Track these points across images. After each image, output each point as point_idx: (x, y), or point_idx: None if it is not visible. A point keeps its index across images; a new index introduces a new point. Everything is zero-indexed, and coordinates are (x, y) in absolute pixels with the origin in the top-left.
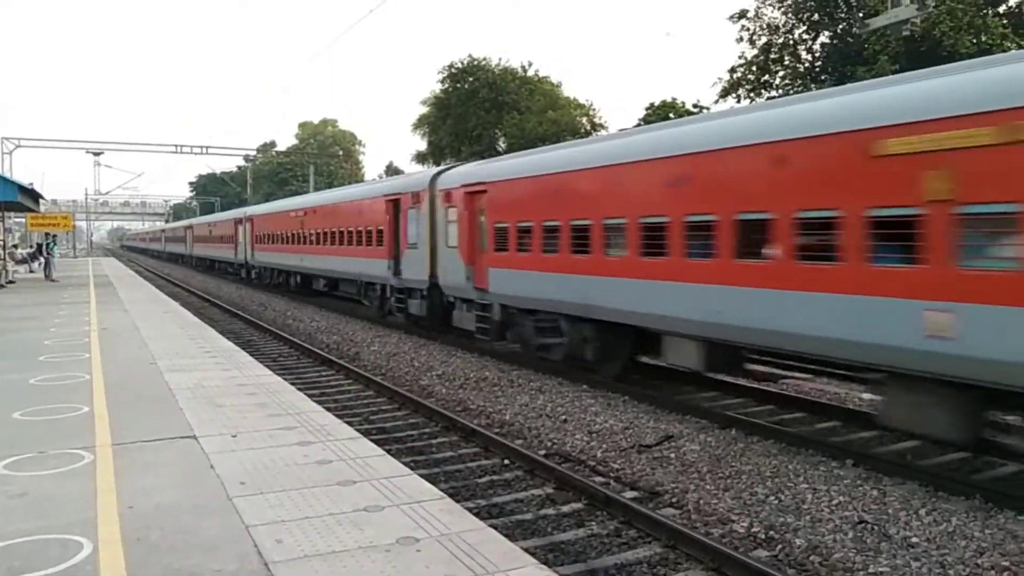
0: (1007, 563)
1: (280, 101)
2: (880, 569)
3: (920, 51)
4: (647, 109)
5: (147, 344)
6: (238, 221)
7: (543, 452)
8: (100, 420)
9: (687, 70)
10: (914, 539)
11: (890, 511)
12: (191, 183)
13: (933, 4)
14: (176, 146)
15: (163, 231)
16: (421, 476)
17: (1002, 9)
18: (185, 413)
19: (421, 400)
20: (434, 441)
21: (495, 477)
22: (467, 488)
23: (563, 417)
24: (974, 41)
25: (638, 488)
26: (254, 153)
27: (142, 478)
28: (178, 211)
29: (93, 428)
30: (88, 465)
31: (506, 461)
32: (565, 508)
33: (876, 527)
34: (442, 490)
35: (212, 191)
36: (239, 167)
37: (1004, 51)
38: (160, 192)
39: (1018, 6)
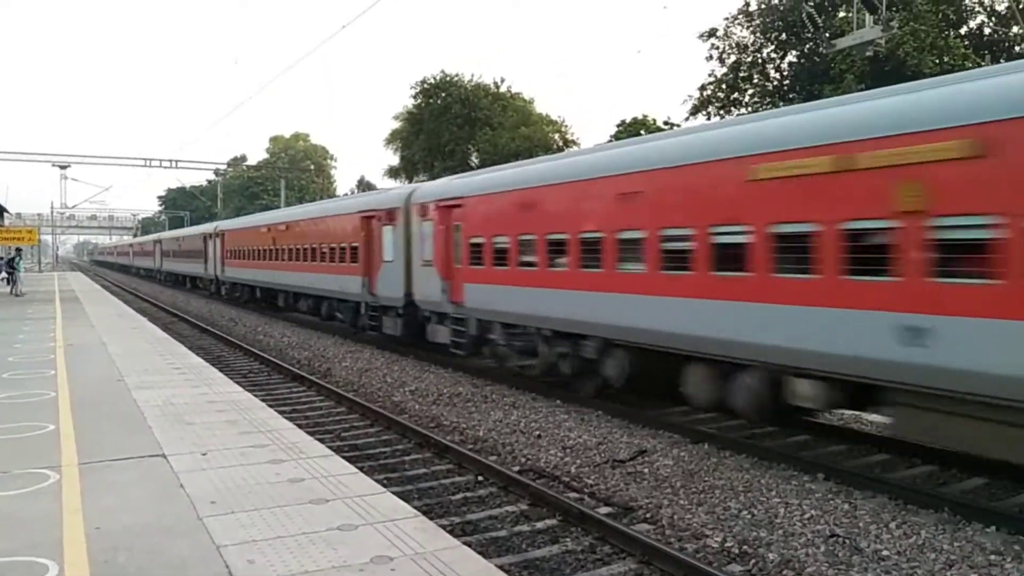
0: (975, 575)
1: (251, 114)
2: None
3: (885, 70)
4: (618, 126)
5: (114, 360)
6: (374, 216)
7: (517, 468)
8: (66, 439)
9: (659, 87)
10: (885, 552)
11: (861, 524)
12: (160, 197)
13: (897, 26)
14: (145, 160)
15: (159, 241)
16: (394, 494)
17: (963, 31)
18: (154, 431)
19: (394, 416)
20: (407, 458)
21: (469, 494)
22: (441, 505)
23: (537, 432)
24: (937, 61)
25: (612, 504)
26: (224, 167)
27: (109, 498)
28: (146, 225)
29: (59, 447)
30: (54, 485)
31: (480, 478)
32: (539, 524)
33: (847, 541)
34: (416, 508)
35: (182, 205)
36: (209, 181)
37: (965, 71)
38: (128, 206)
39: (979, 28)
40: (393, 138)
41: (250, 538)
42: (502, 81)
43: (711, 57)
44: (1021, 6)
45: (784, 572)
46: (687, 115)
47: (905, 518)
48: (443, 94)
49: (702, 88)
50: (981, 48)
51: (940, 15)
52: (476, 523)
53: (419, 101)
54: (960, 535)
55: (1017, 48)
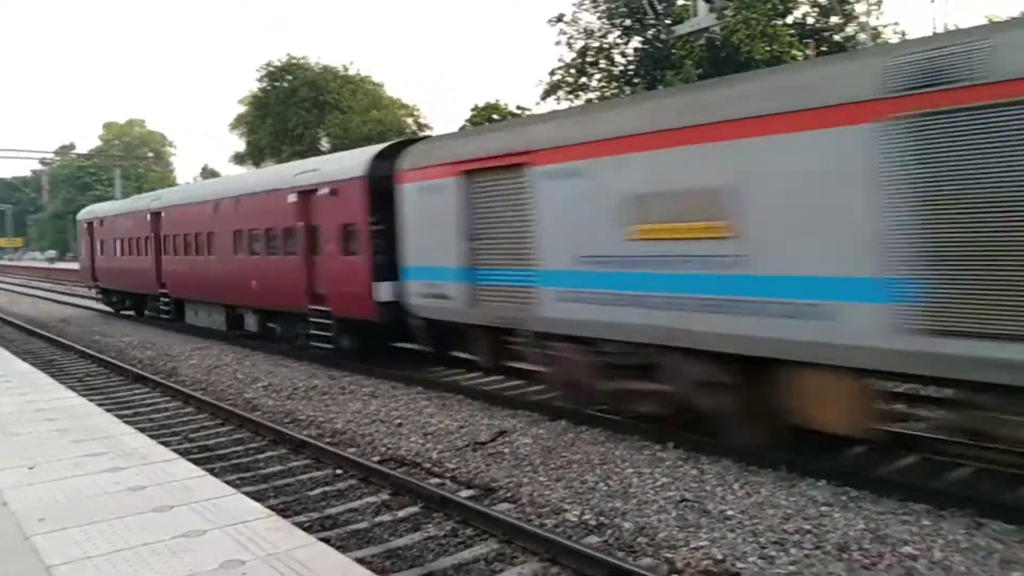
0: (809, 526)
1: (81, 99)
2: (700, 543)
3: (721, 56)
4: (472, 111)
5: None
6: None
7: (377, 459)
8: None
9: (512, 71)
10: (729, 512)
11: (708, 488)
12: None
13: (730, 13)
14: None
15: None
16: (247, 494)
17: (789, 19)
18: None
19: (245, 414)
20: (261, 456)
21: (327, 488)
22: (298, 502)
23: (397, 421)
24: (767, 48)
25: (474, 486)
26: (51, 156)
27: None
28: None
29: None
30: None
31: (339, 471)
32: (401, 513)
33: (696, 504)
34: (271, 507)
35: (2, 198)
36: (33, 171)
37: (793, 58)
38: None
39: (803, 17)
40: (238, 123)
41: (84, 554)
42: (350, 64)
43: (560, 42)
44: None
45: (639, 539)
46: (539, 99)
47: (747, 479)
48: (289, 77)
49: (552, 73)
50: (805, 36)
51: (769, 4)
52: (335, 517)
53: (265, 84)
54: (795, 490)
55: (836, 36)
